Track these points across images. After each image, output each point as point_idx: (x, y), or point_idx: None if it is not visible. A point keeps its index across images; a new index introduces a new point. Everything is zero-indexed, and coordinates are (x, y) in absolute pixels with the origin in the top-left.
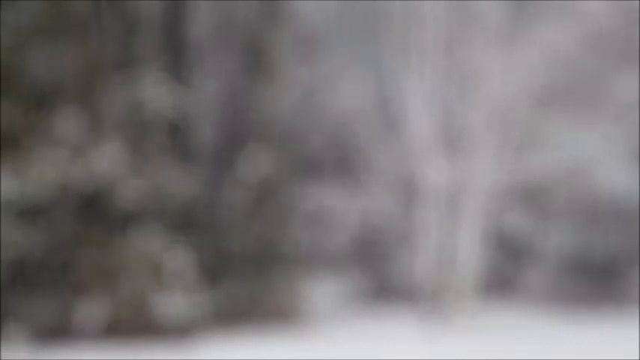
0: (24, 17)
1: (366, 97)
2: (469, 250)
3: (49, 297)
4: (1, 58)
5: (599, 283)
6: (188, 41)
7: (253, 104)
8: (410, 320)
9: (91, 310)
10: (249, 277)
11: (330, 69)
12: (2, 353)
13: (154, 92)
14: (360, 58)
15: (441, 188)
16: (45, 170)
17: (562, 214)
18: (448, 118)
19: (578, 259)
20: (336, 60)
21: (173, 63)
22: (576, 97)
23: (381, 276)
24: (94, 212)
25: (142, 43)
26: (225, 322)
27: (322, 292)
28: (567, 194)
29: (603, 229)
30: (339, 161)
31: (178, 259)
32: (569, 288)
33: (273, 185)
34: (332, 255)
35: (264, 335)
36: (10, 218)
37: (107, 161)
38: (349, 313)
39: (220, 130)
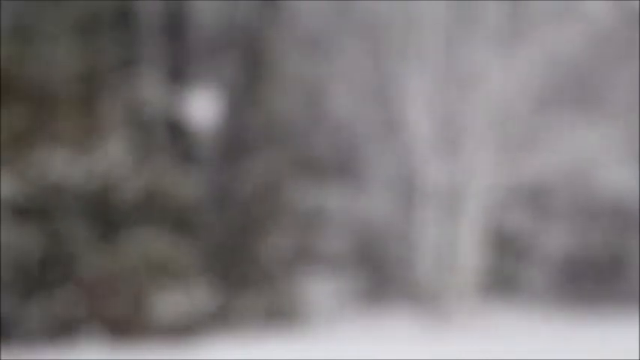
0: (24, 18)
1: (366, 97)
2: (469, 250)
3: (48, 297)
4: (1, 59)
5: (599, 283)
6: (188, 41)
7: (253, 104)
8: (410, 320)
9: (91, 309)
10: (250, 277)
11: (330, 69)
12: (2, 353)
13: (154, 92)
14: (359, 58)
15: (441, 188)
16: (45, 170)
17: (562, 214)
18: (448, 118)
19: (578, 259)
20: (336, 60)
21: (173, 63)
22: (576, 97)
23: (381, 276)
24: (94, 212)
25: (142, 43)
26: (226, 322)
27: (322, 292)
28: (567, 194)
29: (603, 229)
30: (339, 161)
31: (179, 259)
32: (569, 288)
33: (274, 185)
34: (332, 255)
35: (264, 335)
36: (10, 218)
37: (107, 161)
38: (349, 312)
39: (220, 130)
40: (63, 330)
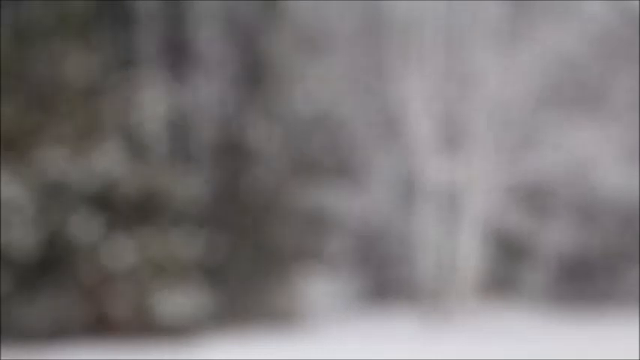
0: (24, 17)
1: (366, 97)
2: (469, 250)
3: (49, 297)
4: (1, 59)
5: (599, 283)
6: (188, 41)
7: (253, 104)
8: (410, 320)
9: (91, 309)
10: (250, 277)
11: (331, 69)
12: (2, 353)
13: (154, 92)
14: (359, 57)
15: (441, 188)
16: (45, 170)
17: (562, 214)
18: (448, 118)
19: (578, 259)
20: (336, 60)
21: (173, 63)
22: (576, 97)
23: (381, 276)
24: (94, 212)
25: (142, 43)
26: (225, 322)
27: (322, 292)
28: (567, 194)
29: (603, 229)
30: (339, 161)
31: (179, 258)
32: (569, 288)
33: (274, 185)
34: (332, 255)
35: (264, 335)
36: (10, 218)
37: (107, 161)
38: (349, 313)
39: (220, 130)
40: (63, 330)
